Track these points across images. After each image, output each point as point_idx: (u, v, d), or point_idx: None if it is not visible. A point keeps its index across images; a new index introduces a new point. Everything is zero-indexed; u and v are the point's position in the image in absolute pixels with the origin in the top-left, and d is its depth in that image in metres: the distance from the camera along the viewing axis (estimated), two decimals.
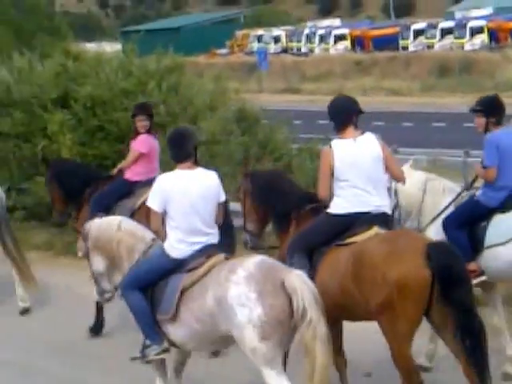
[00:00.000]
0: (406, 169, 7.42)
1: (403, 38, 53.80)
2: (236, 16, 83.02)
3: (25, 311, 10.13)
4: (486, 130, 7.18)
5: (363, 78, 44.38)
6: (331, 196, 6.64)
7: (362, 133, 6.64)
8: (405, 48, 52.84)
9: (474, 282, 6.65)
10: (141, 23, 76.26)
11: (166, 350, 6.53)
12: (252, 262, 6.04)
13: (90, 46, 22.63)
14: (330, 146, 6.57)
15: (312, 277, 6.27)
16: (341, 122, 6.63)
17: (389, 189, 7.11)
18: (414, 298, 5.85)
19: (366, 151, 6.52)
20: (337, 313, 6.39)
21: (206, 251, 6.38)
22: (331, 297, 6.23)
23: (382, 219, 6.52)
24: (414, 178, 7.48)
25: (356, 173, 6.48)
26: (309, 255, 6.57)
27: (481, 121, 7.24)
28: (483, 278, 6.99)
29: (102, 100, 13.55)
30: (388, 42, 52.92)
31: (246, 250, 7.62)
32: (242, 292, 5.89)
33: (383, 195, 6.63)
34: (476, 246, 7.04)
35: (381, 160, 6.55)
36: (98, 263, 6.96)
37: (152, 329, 6.47)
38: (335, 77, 47.12)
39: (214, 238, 6.49)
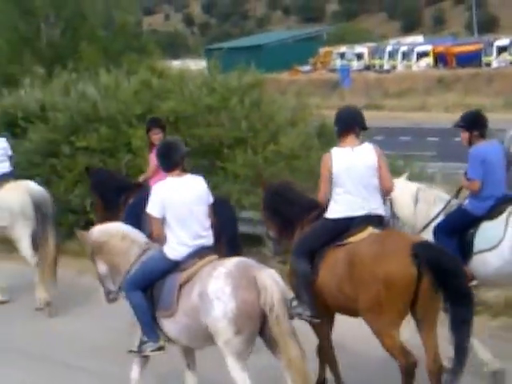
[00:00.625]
0: (401, 180, 8.04)
1: (486, 55, 53.29)
2: (319, 33, 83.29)
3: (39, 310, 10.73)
4: (470, 143, 7.54)
5: (446, 95, 44.13)
6: (329, 201, 7.12)
7: (361, 143, 7.08)
8: (488, 64, 52.28)
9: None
10: (225, 41, 77.08)
11: (160, 348, 6.98)
12: (232, 261, 6.61)
13: (176, 64, 23.07)
14: (329, 155, 7.07)
15: (314, 276, 6.94)
16: (342, 131, 7.10)
17: (385, 199, 7.40)
18: (401, 295, 6.35)
19: (362, 160, 6.97)
20: (334, 309, 7.03)
21: (200, 252, 6.84)
22: (330, 294, 6.86)
23: (376, 220, 7.00)
24: (407, 189, 7.98)
25: (351, 179, 6.95)
26: (310, 257, 7.03)
27: (465, 135, 7.59)
28: (474, 282, 7.29)
29: (186, 115, 13.83)
30: (471, 59, 52.45)
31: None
32: (219, 286, 6.40)
33: (377, 199, 7.06)
34: (465, 252, 7.39)
35: (375, 168, 6.98)
36: (101, 266, 7.54)
37: (150, 327, 6.94)
38: (417, 93, 46.98)
39: (209, 240, 6.97)
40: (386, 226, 7.24)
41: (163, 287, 6.84)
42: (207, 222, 6.96)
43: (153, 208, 6.85)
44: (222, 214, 7.89)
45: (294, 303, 7.09)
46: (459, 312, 6.40)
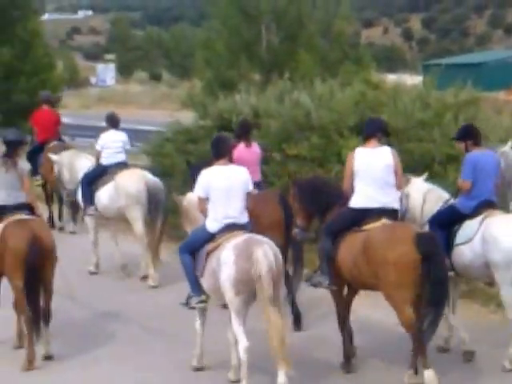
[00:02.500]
0: (419, 180, 9.40)
1: None
2: None
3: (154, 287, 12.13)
4: (467, 151, 8.76)
5: None
6: (352, 192, 8.47)
7: (382, 146, 8.47)
8: None
9: None
10: (443, 57, 75.82)
11: (202, 301, 8.51)
12: (243, 237, 8.05)
13: (391, 77, 22.87)
14: (353, 153, 8.50)
15: (335, 254, 8.36)
16: (366, 135, 8.56)
17: (401, 194, 8.93)
18: (407, 276, 7.66)
19: (380, 159, 8.35)
20: (351, 281, 8.42)
21: (230, 228, 8.22)
22: (348, 269, 8.26)
23: (390, 213, 8.32)
24: (420, 188, 9.27)
25: (370, 175, 8.32)
26: (333, 238, 8.41)
27: (461, 145, 8.93)
28: (450, 273, 8.43)
29: (398, 129, 13.65)
30: None
31: None
32: (227, 255, 7.88)
33: (392, 194, 8.41)
34: (449, 244, 8.57)
35: (391, 167, 8.35)
36: (186, 227, 9.79)
37: (194, 284, 8.46)
38: None
39: (240, 219, 8.32)
40: (398, 219, 8.53)
41: (199, 253, 8.33)
42: (241, 205, 8.32)
43: (199, 189, 8.39)
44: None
45: (317, 274, 8.65)
46: (435, 296, 7.70)
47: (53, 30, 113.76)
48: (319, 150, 14.18)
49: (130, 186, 12.36)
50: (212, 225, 8.31)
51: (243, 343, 7.80)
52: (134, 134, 13.32)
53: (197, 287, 8.44)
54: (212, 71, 33.64)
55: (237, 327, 7.90)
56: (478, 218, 8.46)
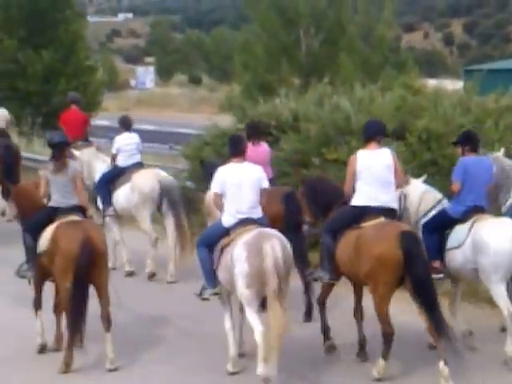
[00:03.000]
0: (417, 181, 9.92)
1: None
2: None
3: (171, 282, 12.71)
4: (463, 155, 9.22)
5: None
6: (354, 192, 8.97)
7: (381, 148, 9.01)
8: None
9: (434, 276, 8.75)
10: (484, 62, 75.23)
11: (216, 294, 9.01)
12: (254, 232, 8.48)
13: (432, 82, 22.72)
14: (355, 156, 9.01)
15: (335, 249, 8.91)
16: (366, 138, 9.07)
17: (400, 194, 9.50)
18: (389, 270, 8.24)
19: (380, 161, 8.86)
20: (347, 275, 9.02)
21: (244, 223, 8.68)
22: (344, 263, 8.86)
23: (388, 212, 8.83)
24: (418, 189, 9.75)
25: (371, 175, 8.82)
26: (334, 235, 8.93)
27: (458, 150, 9.40)
28: (440, 275, 9.05)
29: (438, 134, 13.55)
30: None
31: None
32: (239, 252, 8.35)
33: (391, 193, 8.95)
34: (442, 248, 9.03)
35: (391, 168, 8.88)
36: (209, 222, 10.26)
37: (209, 276, 8.93)
38: None
39: (255, 214, 8.79)
40: (396, 218, 9.04)
41: (215, 247, 8.81)
42: (255, 200, 8.78)
43: (215, 185, 8.90)
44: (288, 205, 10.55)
45: (319, 269, 9.29)
46: (422, 295, 8.22)
47: (93, 32, 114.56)
48: None
49: (144, 184, 12.90)
50: (227, 219, 8.82)
51: (258, 328, 8.26)
52: (172, 137, 13.49)
53: (212, 280, 8.96)
54: (251, 75, 33.66)
55: (250, 315, 8.37)
56: (468, 223, 8.92)
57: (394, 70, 30.64)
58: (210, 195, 9.98)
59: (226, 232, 8.77)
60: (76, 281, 8.72)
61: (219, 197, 8.87)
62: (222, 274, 8.75)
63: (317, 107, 15.61)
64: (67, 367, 8.91)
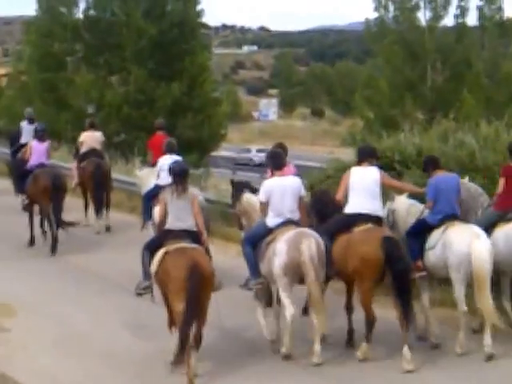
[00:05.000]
0: (403, 197, 11.28)
1: None
2: None
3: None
4: (431, 176, 10.76)
5: None
6: (346, 201, 10.49)
7: (371, 166, 10.57)
8: None
9: (417, 275, 10.32)
10: None
11: (259, 283, 10.36)
12: (294, 231, 9.99)
13: None
14: (350, 171, 10.62)
15: (330, 251, 10.17)
16: (359, 158, 10.72)
17: (388, 210, 11.15)
18: (372, 267, 9.75)
19: (369, 176, 10.47)
20: (339, 273, 10.30)
21: (284, 224, 10.15)
22: (337, 262, 10.17)
23: (375, 219, 10.30)
24: (404, 204, 11.23)
25: (361, 187, 10.38)
26: (330, 237, 10.32)
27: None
28: (423, 273, 10.40)
29: None
30: None
31: None
32: (280, 246, 9.89)
33: (377, 204, 10.44)
34: (422, 249, 10.47)
35: (377, 182, 10.42)
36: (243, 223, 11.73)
37: (254, 269, 10.33)
38: None
39: (295, 216, 10.25)
40: (383, 224, 10.54)
41: (260, 244, 10.25)
42: (295, 205, 10.25)
43: (262, 194, 10.34)
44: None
45: None
46: (398, 289, 9.68)
47: (217, 64, 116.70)
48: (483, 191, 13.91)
49: None
50: (271, 221, 10.26)
51: (290, 310, 9.73)
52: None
53: (256, 272, 10.32)
54: (374, 109, 33.64)
55: (284, 298, 9.84)
56: (441, 228, 10.37)
57: None
58: (246, 200, 11.56)
59: (269, 231, 10.26)
60: (187, 304, 9.09)
61: (264, 204, 10.34)
62: (264, 266, 10.21)
63: (441, 143, 15.47)
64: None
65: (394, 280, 9.73)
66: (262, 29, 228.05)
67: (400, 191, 11.32)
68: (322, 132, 61.32)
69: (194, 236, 9.77)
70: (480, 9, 36.66)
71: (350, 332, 10.50)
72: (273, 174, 10.59)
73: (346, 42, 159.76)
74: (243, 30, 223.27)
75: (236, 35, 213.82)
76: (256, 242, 10.37)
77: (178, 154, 14.10)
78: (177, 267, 9.25)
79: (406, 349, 9.49)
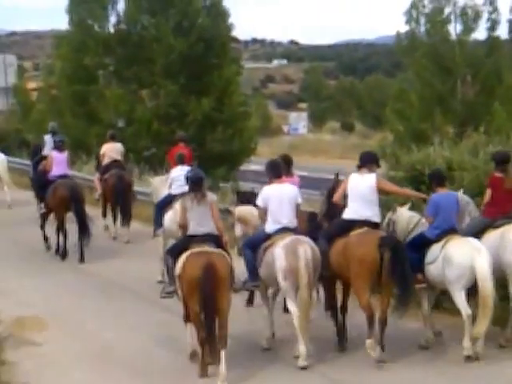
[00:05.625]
0: (404, 208, 11.77)
1: None
2: None
3: None
4: (434, 191, 11.26)
5: None
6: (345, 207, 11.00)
7: (370, 173, 11.00)
8: None
9: (418, 287, 10.90)
10: None
11: (255, 286, 11.14)
12: (291, 237, 10.57)
13: None
14: (349, 177, 11.06)
15: (328, 254, 10.81)
16: (360, 165, 11.10)
17: (389, 221, 11.64)
18: (368, 268, 10.28)
19: (365, 182, 10.90)
20: (337, 274, 10.93)
21: (282, 231, 10.72)
22: (335, 264, 10.82)
23: (371, 224, 10.80)
24: (404, 215, 11.65)
25: (357, 193, 10.85)
26: (328, 241, 10.93)
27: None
28: (423, 285, 10.96)
29: None
30: None
31: None
32: (278, 252, 10.48)
33: (374, 210, 10.92)
34: (422, 263, 10.90)
35: (373, 189, 10.88)
36: (238, 230, 12.63)
37: (252, 272, 10.93)
38: None
39: (291, 224, 10.81)
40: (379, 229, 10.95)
41: (258, 249, 10.83)
42: (291, 213, 10.83)
43: (259, 201, 10.97)
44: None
45: None
46: (400, 284, 10.35)
47: (247, 78, 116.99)
48: None
49: None
50: (269, 227, 10.84)
51: (296, 313, 10.29)
52: (324, 183, 13.72)
53: (254, 275, 10.95)
54: (404, 123, 33.52)
55: (288, 302, 10.60)
56: (441, 242, 10.80)
57: None
58: (238, 211, 12.63)
59: (268, 237, 10.80)
60: (203, 305, 9.71)
61: (262, 210, 10.94)
62: (263, 270, 10.82)
63: (471, 156, 15.36)
64: (203, 372, 9.98)
65: (395, 275, 10.26)
66: (292, 42, 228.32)
67: (406, 198, 12.07)
68: (351, 146, 61.01)
69: (215, 239, 10.36)
70: (510, 22, 36.51)
71: (340, 333, 11.11)
72: (271, 182, 11.03)
73: (376, 56, 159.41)
74: (273, 44, 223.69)
75: (266, 49, 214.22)
76: (255, 246, 10.95)
77: (203, 167, 14.67)
78: (192, 267, 9.82)
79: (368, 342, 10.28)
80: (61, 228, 16.97)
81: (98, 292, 14.12)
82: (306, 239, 10.64)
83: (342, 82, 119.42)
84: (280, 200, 10.76)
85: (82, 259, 16.52)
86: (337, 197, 11.16)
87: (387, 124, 38.31)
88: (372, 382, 10.04)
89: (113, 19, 34.89)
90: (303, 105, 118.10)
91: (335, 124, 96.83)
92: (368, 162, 11.12)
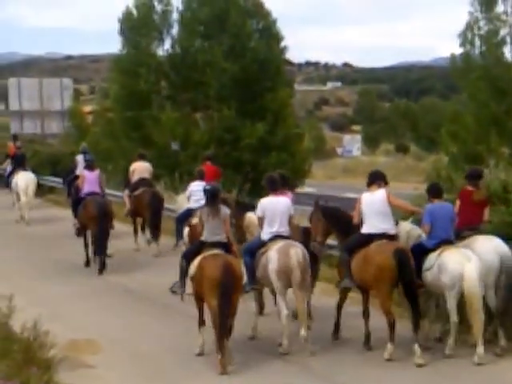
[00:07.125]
0: (405, 223, 12.56)
1: None
2: None
3: None
4: (429, 201, 12.12)
5: None
6: (362, 223, 11.97)
7: (379, 189, 11.98)
8: None
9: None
10: None
11: (254, 288, 12.20)
12: (282, 242, 11.80)
13: None
14: (361, 196, 12.01)
15: (350, 263, 11.89)
16: (369, 183, 12.18)
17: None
18: (386, 275, 11.23)
19: (377, 198, 11.87)
20: (359, 282, 11.87)
21: (276, 237, 11.97)
22: (357, 272, 11.78)
23: (388, 237, 11.73)
24: (405, 229, 12.40)
25: (372, 209, 11.84)
26: (350, 252, 11.90)
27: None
28: (422, 289, 11.72)
29: None
30: None
31: None
32: (272, 254, 11.69)
33: (389, 222, 11.89)
34: (420, 269, 11.68)
35: (385, 202, 11.80)
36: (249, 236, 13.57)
37: (251, 276, 12.02)
38: None
39: (285, 232, 12.05)
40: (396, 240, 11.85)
41: (256, 254, 11.99)
42: (285, 223, 12.09)
43: (258, 210, 12.19)
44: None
45: (344, 279, 12.12)
46: (408, 293, 11.32)
47: (301, 100, 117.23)
48: None
49: None
50: (265, 235, 12.10)
51: (284, 312, 11.50)
52: None
53: (252, 278, 12.03)
54: (459, 145, 33.21)
55: (280, 301, 11.65)
56: (437, 252, 11.64)
57: None
58: (248, 219, 13.92)
59: (264, 244, 12.02)
60: (221, 302, 10.76)
61: (261, 219, 12.16)
62: (259, 272, 11.94)
63: None
64: (223, 369, 10.78)
65: (404, 285, 11.31)
66: (346, 65, 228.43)
67: (409, 213, 12.81)
68: (406, 168, 60.74)
69: (225, 246, 11.59)
70: None
71: (368, 336, 11.97)
72: (268, 195, 12.25)
73: (431, 78, 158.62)
74: (327, 67, 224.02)
75: (320, 72, 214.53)
76: (253, 252, 12.10)
77: (257, 190, 15.48)
78: (211, 267, 10.98)
79: (416, 347, 11.02)
80: (94, 244, 17.78)
81: (147, 313, 14.11)
82: (298, 243, 11.90)
83: (396, 104, 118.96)
84: (274, 210, 12.05)
85: (101, 271, 17.37)
86: (355, 219, 12.12)
87: (442, 146, 37.97)
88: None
89: (167, 42, 35.23)
90: (357, 127, 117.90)
91: (389, 146, 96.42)
92: (376, 179, 12.20)
